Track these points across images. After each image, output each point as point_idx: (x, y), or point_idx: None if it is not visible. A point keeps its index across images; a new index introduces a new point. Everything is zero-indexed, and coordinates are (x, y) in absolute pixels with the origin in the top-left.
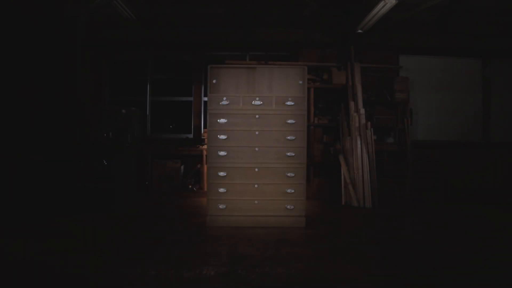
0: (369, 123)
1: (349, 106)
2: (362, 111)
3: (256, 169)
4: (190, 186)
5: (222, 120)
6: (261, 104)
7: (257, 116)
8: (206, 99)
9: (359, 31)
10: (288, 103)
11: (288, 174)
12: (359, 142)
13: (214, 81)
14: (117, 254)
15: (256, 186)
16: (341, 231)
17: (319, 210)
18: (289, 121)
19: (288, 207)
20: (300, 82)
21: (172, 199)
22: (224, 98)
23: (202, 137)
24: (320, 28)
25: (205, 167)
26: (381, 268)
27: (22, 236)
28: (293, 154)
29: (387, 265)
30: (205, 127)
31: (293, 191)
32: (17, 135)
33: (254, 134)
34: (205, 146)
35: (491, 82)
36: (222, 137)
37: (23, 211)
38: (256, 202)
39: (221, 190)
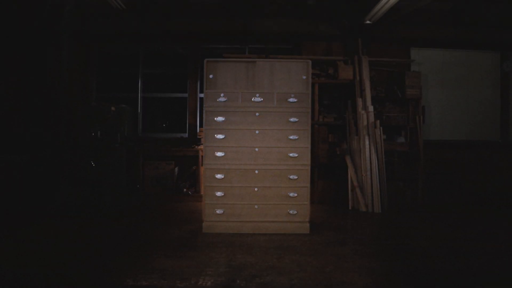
0: (378, 122)
1: (357, 103)
2: (371, 108)
3: (256, 171)
4: (185, 189)
5: (220, 118)
6: (261, 101)
7: (257, 114)
8: (202, 95)
9: (368, 22)
10: (291, 100)
11: (291, 177)
12: (367, 142)
13: (210, 76)
14: (106, 263)
15: (256, 189)
16: (348, 238)
17: (324, 215)
18: (292, 119)
19: (291, 212)
20: (304, 77)
21: (165, 203)
22: (222, 95)
23: (198, 137)
24: (325, 19)
25: (201, 168)
26: (391, 279)
27: (4, 242)
28: (296, 155)
29: (398, 276)
30: (201, 125)
31: (296, 194)
32: None
33: (254, 133)
34: (201, 146)
35: (510, 77)
36: (220, 136)
37: (4, 214)
38: (256, 206)
39: (219, 193)
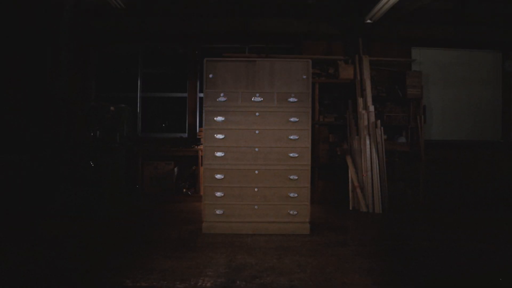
0: (378, 121)
1: (357, 102)
2: (372, 108)
3: (256, 171)
4: (184, 190)
5: (219, 118)
6: (261, 100)
7: (257, 113)
8: (202, 95)
9: (368, 21)
10: (291, 99)
11: (291, 177)
12: (368, 142)
13: (210, 75)
14: (105, 263)
15: (256, 189)
16: (349, 239)
17: (324, 215)
18: (292, 119)
19: (291, 212)
20: (304, 76)
21: (164, 203)
22: (222, 94)
23: (198, 137)
24: (326, 18)
25: (201, 169)
26: (391, 280)
27: (3, 242)
28: (296, 155)
29: (398, 276)
30: (200, 125)
31: (296, 195)
32: None
33: (254, 133)
34: (201, 146)
35: None
36: (219, 136)
37: (4, 214)
38: (256, 207)
39: (218, 194)
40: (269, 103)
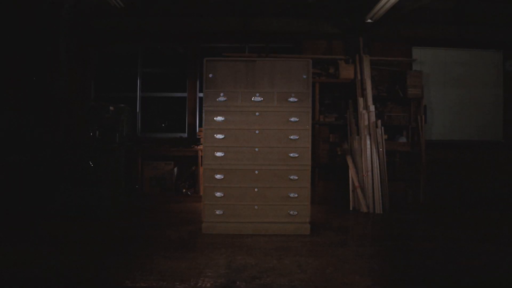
0: (379, 121)
1: (358, 102)
2: (372, 108)
3: (256, 171)
4: (184, 190)
5: (219, 118)
6: (261, 100)
7: (257, 113)
8: (201, 95)
9: (369, 21)
10: (291, 99)
11: (291, 177)
12: (368, 141)
13: (210, 75)
14: (104, 264)
15: (256, 190)
16: (349, 239)
17: (325, 216)
18: (292, 119)
19: (291, 212)
20: (304, 76)
21: (164, 203)
22: (221, 94)
23: (198, 137)
24: (326, 17)
25: (201, 169)
26: (392, 280)
27: (3, 242)
28: (297, 155)
29: (399, 277)
30: (200, 125)
31: (296, 195)
32: None
33: (254, 133)
34: (200, 146)
35: None
36: (219, 136)
37: (4, 215)
38: (256, 207)
39: (218, 194)
40: (269, 103)
